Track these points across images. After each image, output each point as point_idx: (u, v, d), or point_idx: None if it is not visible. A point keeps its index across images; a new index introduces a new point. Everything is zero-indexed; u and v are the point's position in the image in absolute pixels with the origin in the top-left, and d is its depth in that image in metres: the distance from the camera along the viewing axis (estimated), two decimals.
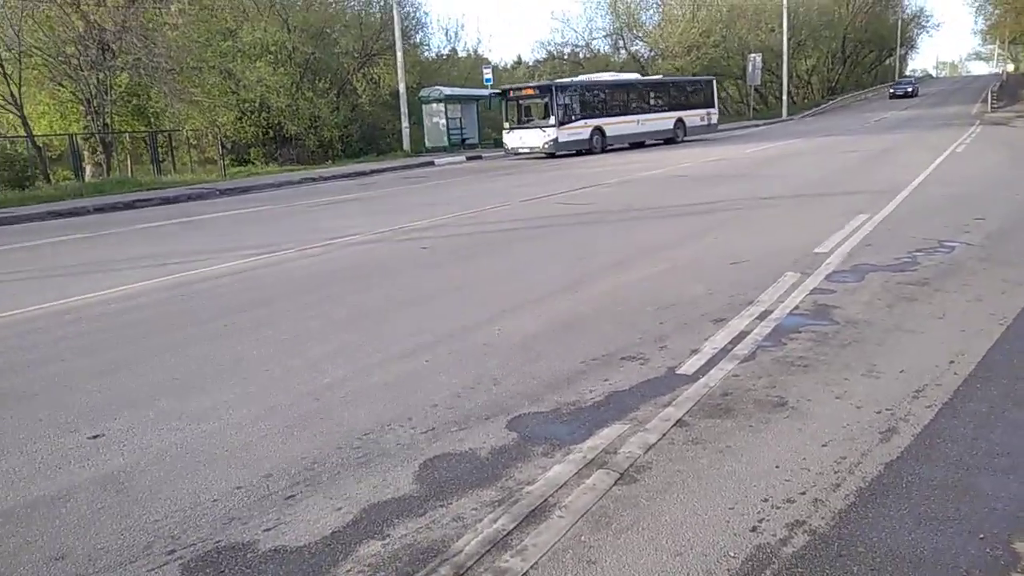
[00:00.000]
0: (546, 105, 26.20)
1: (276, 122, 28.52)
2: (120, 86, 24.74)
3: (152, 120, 27.95)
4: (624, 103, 29.20)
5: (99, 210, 16.53)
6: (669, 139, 30.59)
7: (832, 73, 71.79)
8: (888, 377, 4.46)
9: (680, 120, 31.21)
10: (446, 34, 45.15)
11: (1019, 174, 14.22)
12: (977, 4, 58.28)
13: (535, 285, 7.23)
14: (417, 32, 37.19)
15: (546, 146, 25.71)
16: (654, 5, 50.53)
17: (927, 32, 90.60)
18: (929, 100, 55.16)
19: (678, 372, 4.68)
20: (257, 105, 27.73)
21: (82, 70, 23.29)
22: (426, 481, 3.47)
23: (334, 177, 22.59)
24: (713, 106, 34.10)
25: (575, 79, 31.16)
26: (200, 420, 4.31)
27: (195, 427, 4.22)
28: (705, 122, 32.95)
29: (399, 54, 29.07)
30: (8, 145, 22.94)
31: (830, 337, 5.23)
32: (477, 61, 39.69)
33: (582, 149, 26.71)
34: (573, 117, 26.47)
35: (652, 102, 30.57)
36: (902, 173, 14.84)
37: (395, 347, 5.46)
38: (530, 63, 49.04)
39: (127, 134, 27.28)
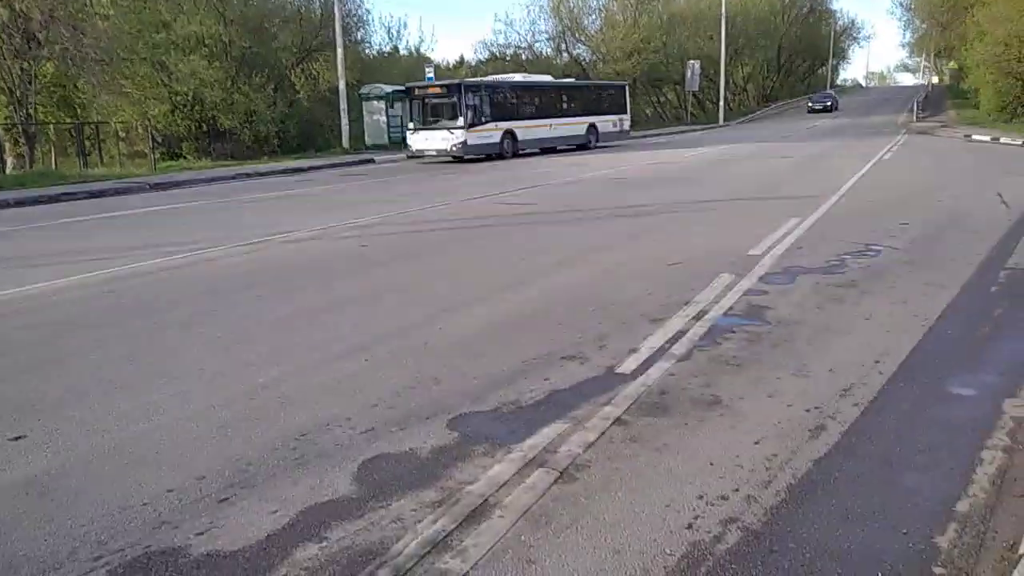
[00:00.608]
0: (454, 105, 24.51)
1: (210, 116, 27.79)
2: (45, 76, 23.78)
3: (79, 111, 26.93)
4: (536, 106, 28.08)
5: (19, 203, 15.83)
6: (581, 145, 29.56)
7: (767, 81, 73.73)
8: (817, 376, 4.60)
9: (593, 126, 30.23)
10: (388, 32, 44.67)
11: (942, 181, 14.85)
12: (905, 19, 60.46)
13: (476, 285, 7.23)
14: (359, 29, 36.71)
15: (454, 149, 24.20)
16: (596, 10, 51.04)
17: (858, 43, 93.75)
18: (858, 110, 57.10)
19: (617, 371, 4.74)
20: (190, 98, 26.98)
21: (4, 59, 22.29)
22: (365, 482, 3.43)
23: (270, 173, 22.14)
24: (626, 112, 33.22)
25: (485, 79, 29.78)
26: (129, 421, 4.18)
27: (124, 428, 4.09)
28: (617, 128, 32.10)
29: (339, 51, 28.66)
30: None
31: (763, 337, 5.36)
32: (419, 60, 39.34)
33: (492, 153, 25.23)
34: (483, 119, 24.97)
35: (565, 106, 29.51)
36: (833, 178, 15.34)
37: (333, 347, 5.39)
38: (472, 63, 48.91)
39: (52, 125, 26.24)
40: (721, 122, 49.61)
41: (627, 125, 33.19)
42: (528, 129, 26.89)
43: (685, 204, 12.56)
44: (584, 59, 50.53)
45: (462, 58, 51.89)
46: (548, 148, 28.40)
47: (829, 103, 55.43)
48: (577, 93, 31.31)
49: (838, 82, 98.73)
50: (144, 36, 25.70)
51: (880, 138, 29.05)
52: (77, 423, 4.17)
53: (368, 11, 48.93)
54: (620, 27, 47.70)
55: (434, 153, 24.76)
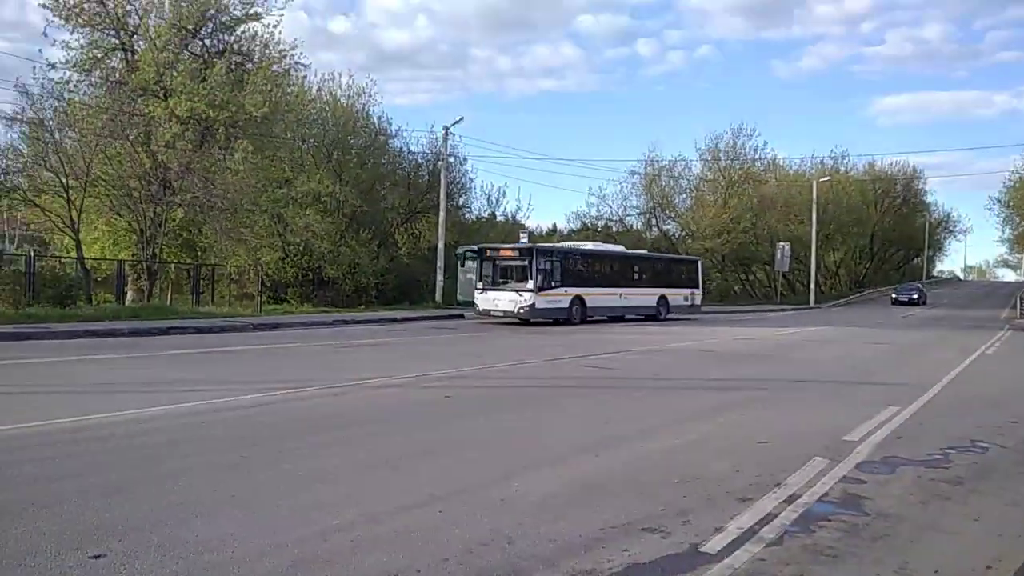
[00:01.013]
0: (524, 268, 24.67)
1: (317, 265, 29.48)
2: (174, 220, 25.95)
3: (199, 253, 29.04)
4: (607, 274, 28.32)
5: (134, 333, 16.87)
6: (650, 316, 29.44)
7: (860, 267, 73.17)
8: None
9: (663, 297, 30.20)
10: (488, 199, 46.95)
11: None
12: (1004, 215, 59.42)
13: (557, 445, 7.12)
14: (461, 195, 39.02)
15: (521, 312, 24.02)
16: (687, 190, 52.68)
17: (954, 237, 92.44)
18: (957, 302, 55.57)
19: (701, 549, 4.49)
20: (301, 248, 28.80)
21: (141, 202, 24.53)
22: None
23: (366, 321, 23.00)
24: (698, 287, 33.17)
25: (557, 244, 30.07)
26: (204, 550, 4.19)
27: (198, 556, 4.10)
28: (688, 302, 32.06)
29: (442, 214, 30.38)
30: (58, 265, 23.86)
31: (861, 529, 5.02)
32: (515, 226, 41.14)
33: (560, 318, 25.08)
34: (553, 283, 25.02)
35: (636, 276, 29.71)
36: (932, 369, 14.73)
37: (409, 495, 5.34)
38: (565, 231, 50.64)
39: (173, 264, 28.31)
40: (812, 304, 49.05)
41: (699, 300, 32.99)
42: (598, 296, 26.75)
43: (775, 382, 12.24)
44: (673, 234, 51.60)
45: (555, 226, 53.84)
46: (616, 317, 28.38)
47: (916, 296, 51.15)
48: (649, 265, 31.57)
49: (934, 273, 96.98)
50: (267, 191, 27.97)
51: (981, 332, 27.97)
52: (155, 547, 4.21)
53: (471, 179, 51.92)
54: (710, 207, 48.86)
55: (500, 314, 24.61)
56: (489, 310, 24.90)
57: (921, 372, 14.30)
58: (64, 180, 23.27)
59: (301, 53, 26.70)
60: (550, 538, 4.59)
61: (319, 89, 33.63)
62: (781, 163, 59.74)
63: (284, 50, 26.12)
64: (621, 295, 28.00)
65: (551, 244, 29.18)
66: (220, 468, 5.89)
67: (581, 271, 26.95)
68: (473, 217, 41.49)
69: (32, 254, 24.25)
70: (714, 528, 4.87)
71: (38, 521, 4.54)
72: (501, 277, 25.41)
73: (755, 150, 52.88)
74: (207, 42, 25.76)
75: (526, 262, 24.58)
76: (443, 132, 32.04)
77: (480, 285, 25.48)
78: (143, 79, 23.52)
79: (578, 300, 25.67)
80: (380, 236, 33.45)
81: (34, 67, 23.95)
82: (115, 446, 6.51)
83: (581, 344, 18.24)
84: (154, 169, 24.11)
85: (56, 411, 7.76)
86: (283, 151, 30.52)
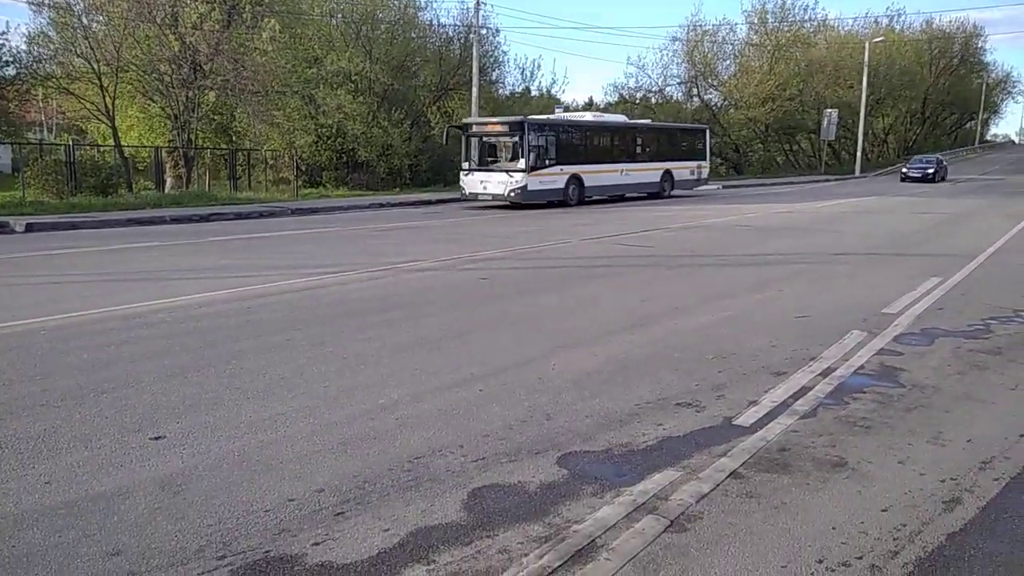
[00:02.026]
0: (515, 145, 21.85)
1: (350, 148, 29.28)
2: (207, 104, 25.81)
3: (234, 138, 29.02)
4: (607, 149, 25.41)
5: (176, 220, 17.17)
6: (653, 193, 27.05)
7: (910, 133, 70.32)
8: (955, 446, 4.30)
9: (668, 172, 27.46)
10: (521, 73, 45.47)
11: None
12: None
13: (593, 324, 7.22)
14: (494, 70, 37.86)
15: (512, 194, 21.50)
16: (731, 55, 50.42)
17: (1013, 98, 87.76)
18: (1010, 168, 53.50)
19: (735, 423, 4.60)
20: (334, 131, 28.55)
21: (173, 87, 24.40)
22: (474, 510, 3.47)
23: (401, 204, 23.03)
24: (705, 159, 30.42)
25: (551, 116, 26.37)
26: (257, 430, 4.41)
27: (252, 436, 4.32)
28: (695, 176, 29.41)
29: (475, 90, 29.61)
30: (97, 154, 24.11)
31: (895, 400, 5.07)
32: (550, 101, 40.11)
33: (554, 200, 22.71)
34: (547, 161, 22.35)
35: (638, 150, 26.75)
36: (978, 238, 14.39)
37: (450, 375, 5.51)
38: (601, 105, 49.20)
39: (209, 150, 28.38)
40: (858, 173, 47.63)
41: (705, 173, 30.55)
42: (596, 175, 24.22)
43: (815, 256, 12.10)
44: (715, 104, 49.88)
45: (591, 100, 52.39)
46: (616, 196, 25.97)
47: (932, 170, 40.54)
48: (652, 136, 28.54)
49: (988, 137, 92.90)
50: (297, 71, 27.49)
51: None
52: (211, 428, 4.44)
53: (505, 52, 50.23)
54: (755, 73, 46.86)
55: (489, 198, 22.15)
56: (477, 193, 22.37)
57: (967, 241, 13.98)
58: (95, 66, 23.16)
59: None
60: (587, 414, 4.73)
61: None
62: (833, 24, 56.61)
63: None
64: (622, 171, 25.47)
65: (544, 117, 25.37)
66: (268, 351, 6.10)
67: (578, 146, 24.40)
68: (507, 93, 40.48)
69: (72, 143, 24.51)
70: (748, 402, 4.96)
71: (99, 405, 4.80)
72: (489, 156, 22.80)
73: (805, 9, 50.10)
74: None
75: (516, 138, 21.78)
76: (475, 2, 30.80)
77: (466, 165, 22.75)
78: None
79: (575, 179, 23.24)
80: (412, 115, 32.87)
81: None
82: (167, 331, 6.76)
83: (613, 221, 18.11)
84: (183, 52, 23.83)
85: (107, 299, 8.04)
86: (311, 28, 29.79)
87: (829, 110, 46.00)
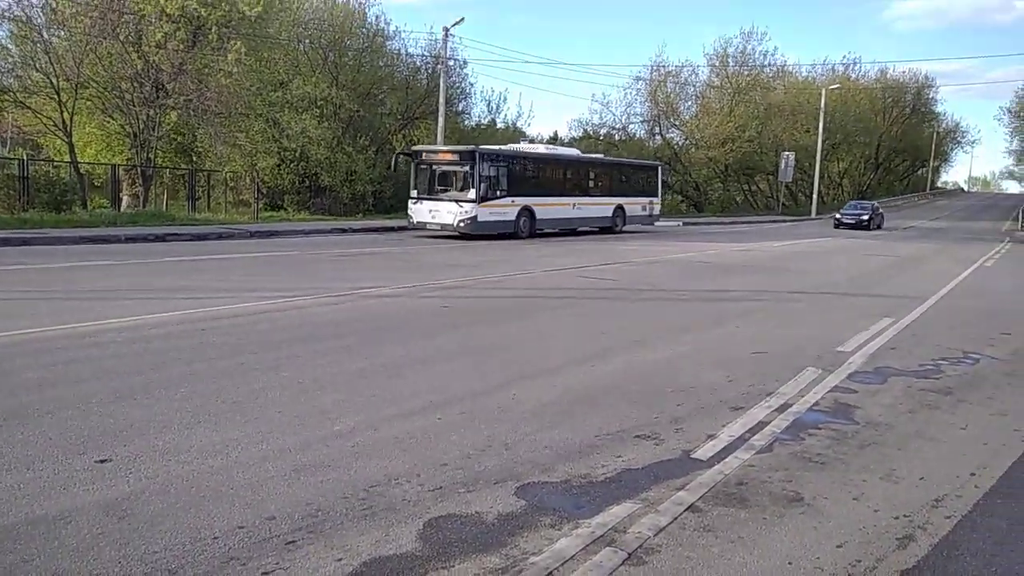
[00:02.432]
0: (465, 175, 21.47)
1: (313, 172, 29.13)
2: (168, 124, 25.47)
3: (194, 159, 28.64)
4: (559, 182, 25.26)
5: (130, 240, 16.82)
6: (605, 228, 26.98)
7: (864, 177, 72.41)
8: (907, 483, 4.36)
9: (620, 207, 27.34)
10: (488, 105, 45.79)
11: None
12: (1013, 125, 58.41)
13: (553, 354, 7.21)
14: (460, 101, 38.11)
15: (461, 225, 21.02)
16: (693, 96, 51.55)
17: (962, 148, 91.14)
18: (959, 214, 55.30)
19: (693, 456, 4.61)
20: (298, 155, 28.39)
21: (134, 105, 24.05)
22: (430, 540, 3.40)
23: (364, 230, 22.90)
24: (656, 195, 30.41)
25: (503, 147, 25.92)
26: (208, 455, 4.29)
27: (202, 461, 4.20)
28: (647, 212, 29.43)
29: (440, 119, 29.72)
30: (52, 169, 23.57)
31: (849, 436, 5.14)
32: (515, 134, 40.45)
33: (505, 232, 22.16)
34: (499, 192, 21.97)
35: (591, 184, 26.74)
36: (929, 281, 14.79)
37: (408, 403, 5.44)
38: (566, 140, 49.77)
39: (168, 170, 27.95)
40: (813, 215, 48.79)
41: (657, 210, 30.45)
42: (548, 208, 23.92)
43: (772, 294, 12.30)
44: (677, 143, 50.83)
45: (556, 134, 52.95)
46: (568, 230, 25.82)
47: (866, 217, 37.76)
48: (605, 170, 28.52)
49: (938, 184, 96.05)
50: (262, 94, 27.32)
51: (981, 244, 27.99)
52: (160, 452, 4.30)
53: (472, 84, 50.50)
54: (716, 114, 47.94)
55: (437, 227, 21.61)
56: (425, 223, 21.82)
57: (919, 284, 14.36)
58: (55, 81, 22.74)
59: None
60: (546, 444, 4.70)
61: None
62: (791, 70, 58.25)
63: None
64: (574, 205, 25.25)
65: (496, 147, 25.18)
66: (221, 375, 5.96)
67: (530, 178, 23.94)
68: (473, 124, 40.73)
69: (25, 157, 23.93)
70: (706, 436, 4.98)
71: (43, 426, 4.63)
72: (440, 185, 22.17)
73: (765, 55, 51.57)
74: None
75: (467, 167, 21.37)
76: (443, 33, 30.99)
77: (414, 193, 22.22)
78: None
79: (526, 211, 22.93)
80: (377, 142, 32.89)
81: None
82: (116, 352, 6.58)
83: (575, 253, 18.24)
84: (146, 70, 23.55)
85: (56, 317, 7.80)
86: (278, 52, 29.69)
87: (786, 153, 47.18)
